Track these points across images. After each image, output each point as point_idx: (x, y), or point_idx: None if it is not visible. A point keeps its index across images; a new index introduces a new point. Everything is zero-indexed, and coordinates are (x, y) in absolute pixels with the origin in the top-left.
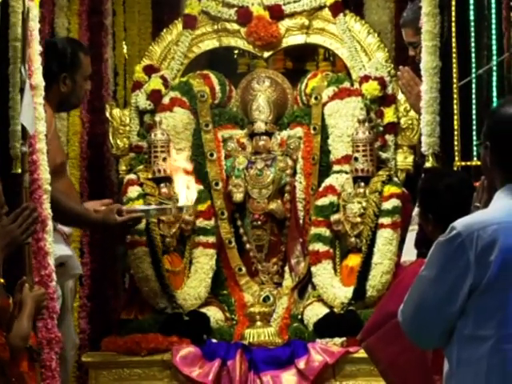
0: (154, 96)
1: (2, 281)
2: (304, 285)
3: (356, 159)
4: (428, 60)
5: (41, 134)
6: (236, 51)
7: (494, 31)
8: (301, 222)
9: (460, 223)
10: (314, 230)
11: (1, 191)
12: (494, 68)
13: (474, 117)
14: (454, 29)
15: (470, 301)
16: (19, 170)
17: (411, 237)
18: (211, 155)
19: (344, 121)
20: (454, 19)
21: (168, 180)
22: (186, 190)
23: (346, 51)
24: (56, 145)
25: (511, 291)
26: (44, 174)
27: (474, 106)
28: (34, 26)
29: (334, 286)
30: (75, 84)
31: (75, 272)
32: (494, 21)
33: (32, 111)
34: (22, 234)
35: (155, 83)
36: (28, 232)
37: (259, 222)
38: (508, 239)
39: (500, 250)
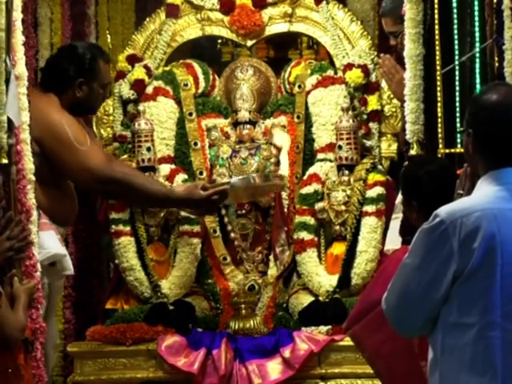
0: (138, 85)
1: None
2: (289, 273)
3: (340, 147)
4: (411, 47)
5: (24, 124)
6: (219, 40)
7: (476, 18)
8: (285, 210)
9: (443, 210)
10: (298, 219)
11: (0, 185)
12: (477, 55)
13: (457, 104)
14: (436, 16)
15: (454, 288)
16: (4, 161)
17: (395, 225)
18: (195, 144)
19: (328, 109)
20: (436, 6)
21: (152, 169)
22: None
23: (329, 39)
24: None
25: (495, 278)
26: (28, 164)
27: (457, 93)
28: (17, 15)
29: (318, 275)
30: (91, 91)
31: (66, 273)
32: (476, 7)
33: (17, 103)
34: (9, 249)
35: (138, 73)
36: (16, 250)
37: (244, 211)
38: (491, 226)
39: (483, 237)
